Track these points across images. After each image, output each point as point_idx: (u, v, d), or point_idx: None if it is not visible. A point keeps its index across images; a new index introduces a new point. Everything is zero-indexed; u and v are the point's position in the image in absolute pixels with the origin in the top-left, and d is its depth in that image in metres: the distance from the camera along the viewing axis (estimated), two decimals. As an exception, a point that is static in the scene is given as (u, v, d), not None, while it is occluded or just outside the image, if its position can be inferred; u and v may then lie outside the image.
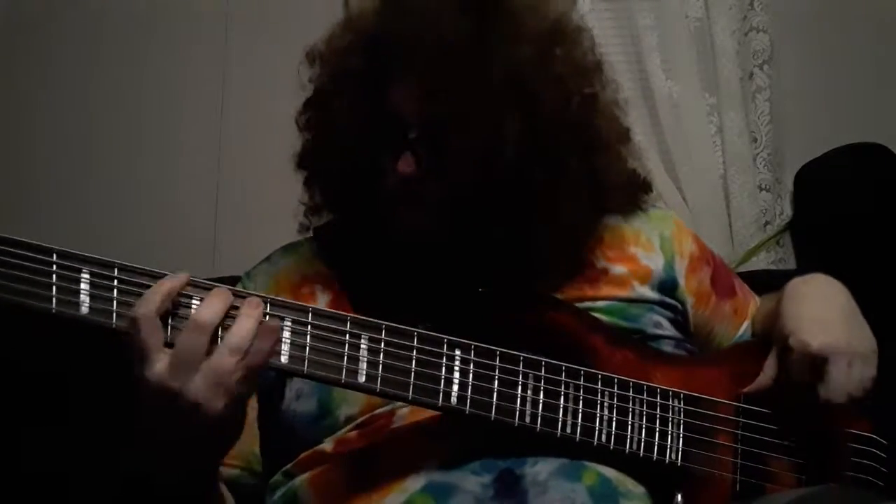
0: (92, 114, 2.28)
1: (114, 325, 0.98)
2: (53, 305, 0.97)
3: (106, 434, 1.70)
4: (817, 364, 1.16)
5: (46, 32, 2.29)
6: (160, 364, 0.96)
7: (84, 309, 0.98)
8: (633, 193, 1.35)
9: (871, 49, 2.26)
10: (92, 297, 0.98)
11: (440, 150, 1.18)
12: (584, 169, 1.23)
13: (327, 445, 1.18)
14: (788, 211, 2.22)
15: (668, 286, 1.30)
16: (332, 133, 1.26)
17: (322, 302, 1.26)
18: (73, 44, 2.29)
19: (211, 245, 2.24)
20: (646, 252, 1.32)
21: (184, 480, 1.04)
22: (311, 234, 1.37)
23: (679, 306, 1.31)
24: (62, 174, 2.26)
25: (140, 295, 0.99)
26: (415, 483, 1.09)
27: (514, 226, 1.21)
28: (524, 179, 1.19)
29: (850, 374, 1.16)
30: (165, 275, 1.01)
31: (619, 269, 1.28)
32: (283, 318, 1.03)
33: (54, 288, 0.97)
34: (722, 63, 2.21)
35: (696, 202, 2.19)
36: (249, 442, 1.24)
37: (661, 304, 1.28)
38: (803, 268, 2.14)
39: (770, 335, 1.25)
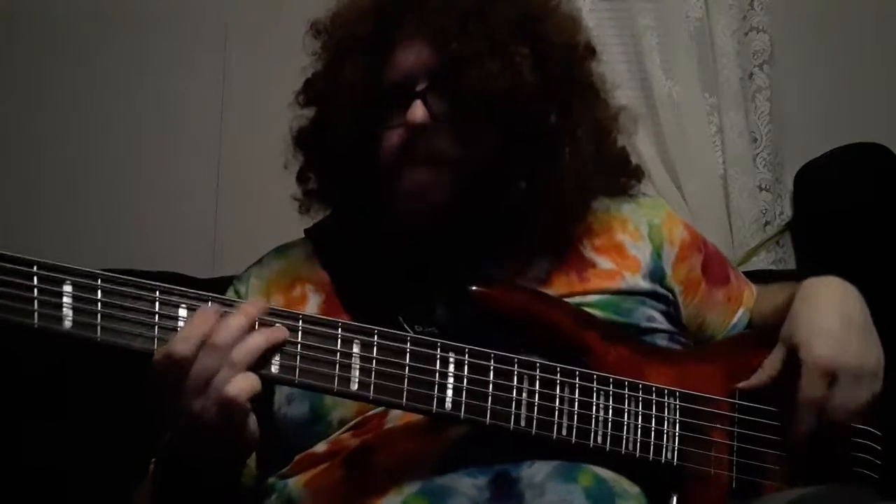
0: (92, 114, 2.28)
1: (98, 340, 0.97)
2: (35, 321, 0.94)
3: (105, 429, 1.70)
4: (825, 378, 1.15)
5: (46, 33, 2.30)
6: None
7: (67, 323, 0.95)
8: (622, 174, 1.35)
9: (872, 49, 2.26)
10: (75, 310, 0.95)
11: (450, 96, 1.18)
12: (587, 120, 1.25)
13: (321, 447, 1.18)
14: (788, 211, 2.22)
15: (657, 275, 1.30)
16: (339, 101, 1.25)
17: (314, 303, 1.26)
18: (74, 45, 2.29)
19: (211, 245, 2.24)
20: (633, 241, 1.31)
21: (210, 468, 1.04)
22: (308, 214, 1.36)
23: (670, 296, 1.30)
24: (62, 175, 2.27)
25: (125, 307, 0.98)
26: (410, 485, 1.09)
27: (516, 186, 1.21)
28: (536, 126, 1.20)
29: (857, 392, 1.16)
30: (151, 285, 1.00)
31: (606, 263, 1.28)
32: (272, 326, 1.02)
33: (36, 302, 0.94)
34: (722, 63, 2.21)
35: (696, 202, 2.19)
36: None
37: (653, 294, 1.28)
38: (803, 268, 2.14)
39: (775, 329, 1.24)
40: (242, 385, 0.97)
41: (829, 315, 1.19)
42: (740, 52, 2.22)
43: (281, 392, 1.21)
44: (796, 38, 2.25)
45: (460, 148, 1.19)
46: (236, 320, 0.99)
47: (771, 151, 2.20)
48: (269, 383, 1.03)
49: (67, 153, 2.28)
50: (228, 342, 0.98)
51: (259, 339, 1.00)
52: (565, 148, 1.23)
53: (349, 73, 1.23)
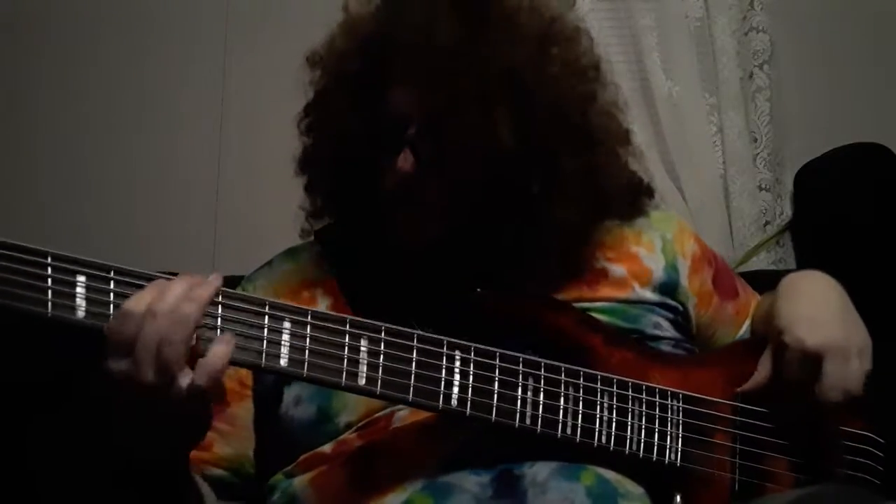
0: (92, 114, 2.28)
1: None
2: (49, 310, 0.95)
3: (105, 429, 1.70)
4: (812, 361, 1.15)
5: (46, 32, 2.29)
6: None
7: (80, 313, 0.96)
8: (634, 198, 1.35)
9: (872, 49, 2.26)
10: (88, 300, 0.96)
11: (438, 146, 1.18)
12: (581, 169, 1.24)
13: (327, 447, 1.18)
14: (788, 211, 2.22)
15: (669, 288, 1.30)
16: (332, 136, 1.26)
17: (322, 306, 1.25)
18: (73, 43, 2.29)
19: (211, 245, 2.24)
20: (648, 252, 1.32)
21: (160, 457, 1.04)
22: (312, 237, 1.36)
23: (680, 307, 1.31)
24: (62, 174, 2.26)
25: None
26: (414, 483, 1.09)
27: (511, 227, 1.21)
28: (520, 178, 1.20)
29: (845, 371, 1.16)
30: (163, 277, 1.00)
31: (618, 270, 1.29)
32: (282, 321, 1.03)
33: (50, 292, 0.95)
34: (722, 63, 2.21)
35: (696, 202, 2.19)
36: (244, 445, 1.25)
37: (662, 305, 1.28)
38: (803, 267, 2.14)
39: (767, 334, 1.24)
40: (218, 351, 0.97)
41: (809, 303, 1.21)
42: (740, 52, 2.22)
43: (289, 393, 1.21)
44: (796, 38, 2.25)
45: (449, 194, 1.19)
46: (178, 285, 0.98)
47: (771, 151, 2.20)
48: (277, 377, 1.03)
49: (67, 153, 2.27)
50: (172, 303, 0.96)
51: (205, 291, 0.98)
52: (554, 190, 1.22)
53: (341, 111, 1.24)
